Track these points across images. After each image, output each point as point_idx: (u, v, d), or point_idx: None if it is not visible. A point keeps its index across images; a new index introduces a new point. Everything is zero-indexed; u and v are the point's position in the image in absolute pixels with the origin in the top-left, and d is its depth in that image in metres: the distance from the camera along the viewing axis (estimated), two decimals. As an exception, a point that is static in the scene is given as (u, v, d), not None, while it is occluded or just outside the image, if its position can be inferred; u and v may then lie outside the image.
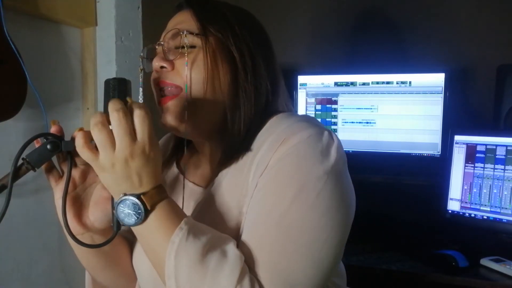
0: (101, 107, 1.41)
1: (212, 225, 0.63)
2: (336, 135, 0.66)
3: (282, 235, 0.58)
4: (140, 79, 0.72)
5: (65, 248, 1.24)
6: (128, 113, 0.55)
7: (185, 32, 0.67)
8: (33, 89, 1.06)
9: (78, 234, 0.66)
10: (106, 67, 1.33)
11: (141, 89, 0.71)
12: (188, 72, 0.66)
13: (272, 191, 0.61)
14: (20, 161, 0.58)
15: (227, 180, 0.67)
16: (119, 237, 0.78)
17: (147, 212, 0.57)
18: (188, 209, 0.72)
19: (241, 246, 0.60)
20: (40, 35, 1.21)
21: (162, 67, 0.68)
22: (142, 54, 0.73)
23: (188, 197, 0.74)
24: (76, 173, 0.65)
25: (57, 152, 0.60)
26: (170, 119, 0.67)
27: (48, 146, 0.58)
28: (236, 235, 0.63)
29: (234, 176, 0.66)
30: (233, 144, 0.67)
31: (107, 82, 0.59)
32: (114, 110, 0.54)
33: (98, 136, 0.54)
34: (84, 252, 0.73)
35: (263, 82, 0.69)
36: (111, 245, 0.68)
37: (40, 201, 1.19)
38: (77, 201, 0.67)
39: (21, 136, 1.13)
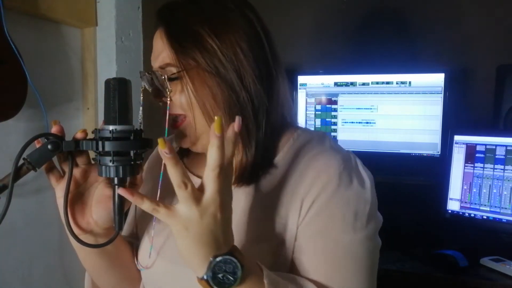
0: (101, 107, 1.41)
1: (257, 229, 0.66)
2: (354, 155, 0.72)
3: (353, 266, 0.64)
4: (141, 98, 0.72)
5: (65, 248, 1.24)
6: (224, 171, 0.53)
7: (164, 77, 0.67)
8: (33, 89, 1.06)
9: (80, 234, 0.65)
10: (106, 67, 1.33)
11: (141, 108, 0.70)
12: (182, 100, 0.67)
13: (330, 229, 0.65)
14: (21, 161, 0.58)
15: (264, 187, 0.69)
16: (122, 237, 0.77)
17: (243, 270, 0.55)
18: None
19: (319, 285, 0.63)
20: (40, 35, 1.21)
21: (160, 101, 0.70)
22: (141, 77, 0.72)
23: None
24: (77, 173, 0.65)
25: (58, 152, 0.60)
26: (183, 141, 0.71)
27: (49, 146, 0.58)
28: (279, 242, 0.66)
29: (272, 185, 0.68)
30: (252, 161, 0.68)
31: (107, 82, 0.59)
32: (211, 170, 0.53)
33: (182, 194, 0.52)
34: (87, 253, 0.73)
35: (254, 87, 0.67)
36: (114, 245, 0.68)
37: (40, 201, 1.19)
38: (79, 200, 0.66)
39: (21, 136, 1.13)
